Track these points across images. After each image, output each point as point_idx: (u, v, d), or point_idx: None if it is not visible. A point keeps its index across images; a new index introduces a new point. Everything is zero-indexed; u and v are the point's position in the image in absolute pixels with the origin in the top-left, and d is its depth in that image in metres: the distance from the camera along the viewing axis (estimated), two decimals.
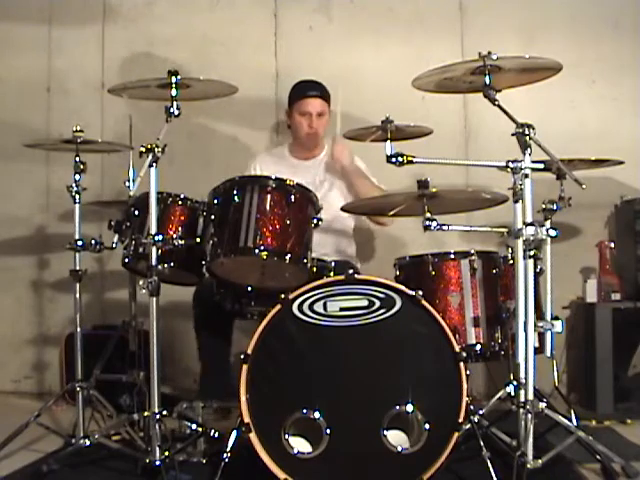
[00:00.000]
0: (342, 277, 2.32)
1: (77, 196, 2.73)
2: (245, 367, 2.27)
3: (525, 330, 2.24)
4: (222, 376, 2.98)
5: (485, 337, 2.58)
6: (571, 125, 3.61)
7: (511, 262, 2.61)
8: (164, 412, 2.38)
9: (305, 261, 2.44)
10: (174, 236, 2.60)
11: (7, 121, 3.97)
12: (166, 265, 2.56)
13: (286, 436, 2.24)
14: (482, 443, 2.25)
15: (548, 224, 2.75)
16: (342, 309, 2.29)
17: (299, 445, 2.25)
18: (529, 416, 2.20)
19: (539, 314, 2.54)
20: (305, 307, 2.29)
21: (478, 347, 2.57)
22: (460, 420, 2.23)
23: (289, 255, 2.39)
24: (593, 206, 3.48)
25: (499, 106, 2.35)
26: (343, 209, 2.82)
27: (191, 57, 3.78)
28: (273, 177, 2.49)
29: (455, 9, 3.80)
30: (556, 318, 2.42)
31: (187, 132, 3.70)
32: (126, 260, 2.68)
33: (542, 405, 2.26)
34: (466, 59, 2.42)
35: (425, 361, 2.30)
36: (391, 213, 2.81)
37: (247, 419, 2.26)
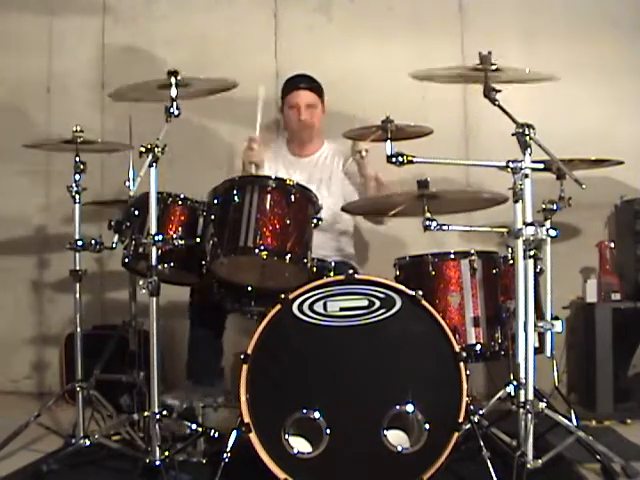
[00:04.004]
0: (342, 277, 2.32)
1: (77, 196, 2.74)
2: (245, 367, 2.27)
3: (525, 330, 2.24)
4: (211, 364, 2.94)
5: (485, 337, 2.58)
6: (571, 125, 3.60)
7: (511, 262, 2.61)
8: (164, 412, 2.39)
9: (305, 261, 2.44)
10: (174, 236, 2.60)
11: (7, 121, 3.97)
12: (166, 265, 2.57)
13: (286, 436, 2.24)
14: (482, 443, 2.25)
15: (548, 224, 2.75)
16: (342, 309, 2.29)
17: (299, 445, 2.25)
18: (529, 416, 2.20)
19: (539, 314, 2.53)
20: (305, 307, 2.29)
21: (478, 347, 2.57)
22: (460, 420, 2.23)
23: (289, 255, 2.39)
24: (593, 206, 3.48)
25: (499, 106, 2.35)
26: (343, 209, 2.82)
27: (191, 57, 3.78)
28: (273, 177, 2.50)
29: (455, 9, 3.79)
30: (556, 318, 2.42)
31: (187, 132, 3.69)
32: (126, 260, 2.68)
33: (542, 405, 2.26)
34: (466, 60, 2.42)
35: (425, 361, 2.31)
36: (391, 213, 2.81)
37: (247, 419, 2.26)
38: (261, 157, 3.12)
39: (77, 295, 2.76)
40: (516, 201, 2.27)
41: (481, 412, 2.47)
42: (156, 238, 2.38)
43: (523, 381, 2.24)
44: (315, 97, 3.17)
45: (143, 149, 2.38)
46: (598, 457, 2.39)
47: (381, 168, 2.98)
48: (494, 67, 2.33)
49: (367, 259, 3.63)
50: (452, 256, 2.65)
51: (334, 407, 2.25)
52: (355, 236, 3.33)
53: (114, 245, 2.72)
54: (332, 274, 2.49)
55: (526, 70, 2.38)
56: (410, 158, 2.40)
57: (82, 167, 2.75)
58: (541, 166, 2.30)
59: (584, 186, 2.25)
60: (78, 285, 2.75)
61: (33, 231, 4.03)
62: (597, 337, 3.26)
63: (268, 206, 2.43)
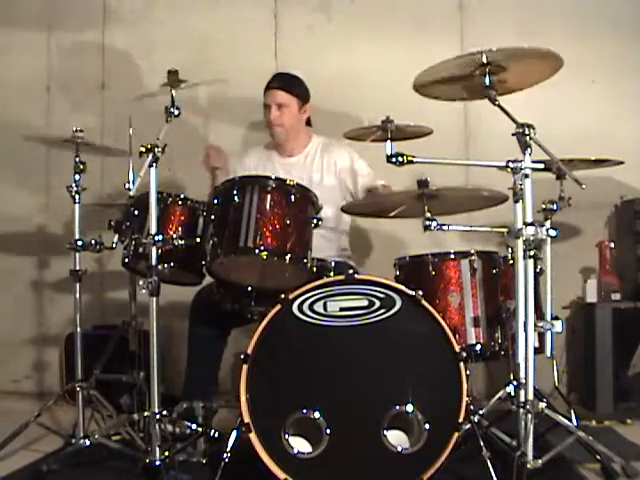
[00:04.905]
0: (342, 277, 2.32)
1: (77, 196, 2.74)
2: (245, 367, 2.27)
3: (525, 330, 2.24)
4: (209, 377, 2.92)
5: (485, 337, 2.58)
6: (571, 125, 3.60)
7: (511, 262, 2.61)
8: (164, 412, 2.39)
9: (305, 261, 2.43)
10: (174, 236, 2.60)
11: (7, 121, 3.98)
12: (166, 265, 2.57)
13: (286, 436, 2.24)
14: (482, 443, 2.25)
15: (548, 224, 2.75)
16: (342, 309, 2.29)
17: (299, 445, 2.25)
18: (529, 416, 2.20)
19: (539, 314, 2.53)
20: (305, 307, 2.29)
21: (478, 347, 2.57)
22: (460, 420, 2.23)
23: (289, 255, 2.39)
24: (593, 206, 3.48)
25: (499, 106, 2.35)
26: (343, 210, 2.81)
27: (191, 57, 3.79)
28: (273, 177, 2.49)
29: (455, 9, 3.80)
30: (556, 318, 2.41)
31: (187, 132, 3.69)
32: (126, 260, 2.68)
33: (542, 405, 2.26)
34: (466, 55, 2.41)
35: (425, 361, 2.31)
36: (392, 214, 2.81)
37: (247, 419, 2.26)
38: (222, 162, 3.18)
39: (77, 295, 2.76)
40: (516, 201, 2.27)
41: (481, 412, 2.46)
42: (156, 238, 2.39)
43: (523, 381, 2.24)
44: (287, 96, 3.09)
45: (143, 149, 2.38)
46: (598, 457, 2.39)
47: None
48: (494, 47, 2.31)
49: (367, 259, 3.63)
50: (452, 256, 2.64)
51: (334, 407, 2.25)
52: (355, 236, 3.33)
53: (114, 245, 2.73)
54: (332, 274, 2.48)
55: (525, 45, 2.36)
56: (410, 158, 2.40)
57: (82, 167, 2.76)
58: (541, 166, 2.30)
59: (584, 186, 2.25)
60: (78, 285, 2.75)
61: (33, 231, 4.03)
62: (597, 337, 3.26)
63: (268, 206, 2.43)
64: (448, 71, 2.42)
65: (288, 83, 3.13)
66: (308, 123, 3.26)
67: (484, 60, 2.34)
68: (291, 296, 2.29)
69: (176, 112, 2.50)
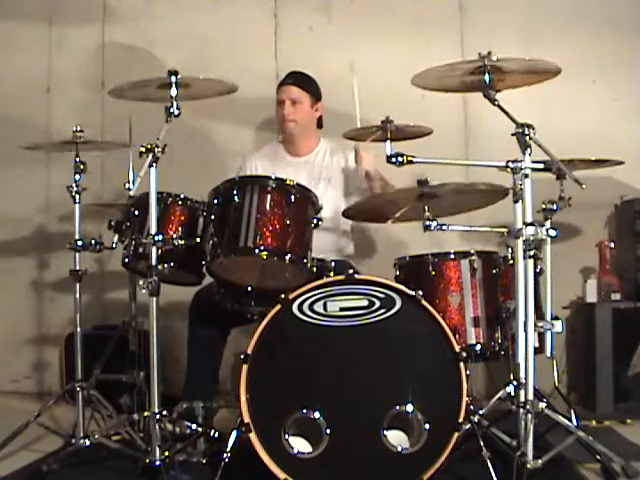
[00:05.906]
0: (342, 277, 2.32)
1: (77, 196, 2.74)
2: (245, 367, 2.28)
3: (525, 330, 2.24)
4: (210, 377, 2.92)
5: (485, 337, 2.58)
6: (571, 125, 3.60)
7: (511, 262, 2.61)
8: (164, 412, 2.39)
9: (305, 261, 2.44)
10: (174, 236, 2.60)
11: (7, 121, 3.97)
12: (166, 265, 2.57)
13: (286, 436, 2.24)
14: (482, 443, 2.25)
15: (548, 224, 2.75)
16: (342, 309, 2.29)
17: (299, 445, 2.25)
18: (529, 416, 2.20)
19: (539, 314, 2.53)
20: (305, 307, 2.30)
21: (478, 347, 2.57)
22: (460, 420, 2.23)
23: (289, 255, 2.39)
24: (593, 206, 3.48)
25: (499, 106, 2.35)
26: (344, 214, 2.81)
27: (191, 57, 3.79)
28: (273, 177, 2.49)
29: (455, 9, 3.79)
30: (556, 318, 2.42)
31: (187, 132, 3.69)
32: (126, 260, 2.68)
33: (542, 405, 2.26)
34: (466, 59, 2.42)
35: (425, 361, 2.31)
36: (393, 217, 2.80)
37: (247, 419, 2.26)
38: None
39: (77, 295, 2.76)
40: (516, 201, 2.27)
41: (481, 412, 2.46)
42: (156, 238, 2.39)
43: (523, 381, 2.24)
44: (300, 92, 3.13)
45: (143, 149, 2.38)
46: (598, 457, 2.39)
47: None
48: (494, 57, 2.33)
49: (367, 259, 3.63)
50: (452, 256, 2.64)
51: (334, 407, 2.25)
52: (355, 236, 3.32)
53: (114, 245, 2.73)
54: (332, 274, 2.48)
55: (525, 58, 2.39)
56: (410, 158, 2.40)
57: (82, 167, 2.76)
58: (541, 166, 2.30)
59: (584, 186, 2.26)
60: (78, 285, 2.75)
61: (33, 231, 4.03)
62: (597, 337, 3.26)
63: (268, 206, 2.43)
64: (447, 74, 2.43)
65: (302, 80, 3.18)
66: (319, 125, 3.27)
67: (484, 63, 2.35)
68: (291, 296, 2.29)
69: (176, 112, 2.49)
